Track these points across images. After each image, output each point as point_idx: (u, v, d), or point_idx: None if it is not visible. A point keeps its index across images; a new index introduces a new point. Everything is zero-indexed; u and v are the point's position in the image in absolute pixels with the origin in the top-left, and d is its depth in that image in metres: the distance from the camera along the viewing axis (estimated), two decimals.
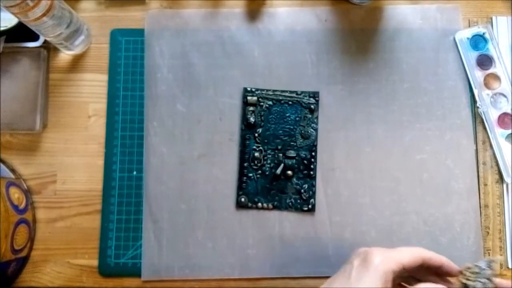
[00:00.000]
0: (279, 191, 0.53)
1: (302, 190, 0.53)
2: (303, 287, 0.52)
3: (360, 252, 0.41)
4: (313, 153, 0.53)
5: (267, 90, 0.54)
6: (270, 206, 0.53)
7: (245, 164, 0.53)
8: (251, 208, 0.53)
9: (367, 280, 0.39)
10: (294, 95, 0.54)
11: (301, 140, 0.54)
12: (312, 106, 0.54)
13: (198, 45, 0.56)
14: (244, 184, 0.53)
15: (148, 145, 0.54)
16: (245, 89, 0.54)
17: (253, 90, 0.54)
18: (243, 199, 0.53)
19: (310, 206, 0.53)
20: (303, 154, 0.53)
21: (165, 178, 0.53)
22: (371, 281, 0.38)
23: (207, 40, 0.56)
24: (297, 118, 0.54)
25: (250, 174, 0.53)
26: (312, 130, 0.54)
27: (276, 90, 0.54)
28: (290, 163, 0.53)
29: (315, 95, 0.54)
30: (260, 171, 0.53)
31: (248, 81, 0.55)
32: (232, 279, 0.52)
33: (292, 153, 0.53)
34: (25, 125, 0.54)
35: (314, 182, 0.53)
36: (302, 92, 0.54)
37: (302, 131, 0.54)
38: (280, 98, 0.54)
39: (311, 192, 0.53)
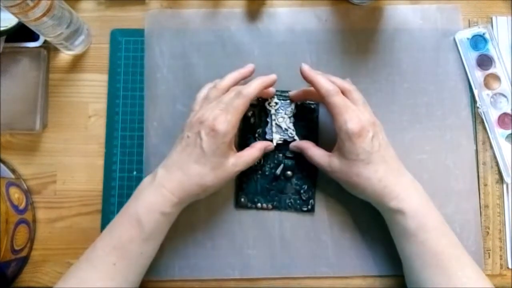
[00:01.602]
0: (279, 192, 0.53)
1: (302, 191, 0.53)
2: (303, 287, 0.52)
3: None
4: None
5: None
6: (270, 206, 0.53)
7: None
8: (250, 208, 0.53)
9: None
10: None
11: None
12: (312, 107, 0.54)
13: (198, 45, 0.56)
14: (244, 184, 0.53)
15: (148, 145, 0.54)
16: None
17: None
18: (242, 199, 0.53)
19: (309, 207, 0.53)
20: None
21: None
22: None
23: (207, 40, 0.56)
24: (297, 119, 0.54)
25: (250, 175, 0.53)
26: (312, 131, 0.54)
27: (277, 91, 0.54)
28: (289, 163, 0.53)
29: None
30: (260, 171, 0.53)
31: (248, 81, 0.55)
32: (232, 279, 0.52)
33: (292, 154, 0.53)
34: (25, 125, 0.54)
35: (314, 183, 0.53)
36: None
37: (302, 132, 0.54)
38: (281, 98, 0.54)
39: (310, 193, 0.53)
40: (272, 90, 0.52)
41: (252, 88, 0.47)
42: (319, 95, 0.47)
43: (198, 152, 0.45)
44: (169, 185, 0.45)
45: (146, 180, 0.47)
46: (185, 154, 0.46)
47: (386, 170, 0.46)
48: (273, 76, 0.49)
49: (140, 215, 0.44)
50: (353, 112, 0.45)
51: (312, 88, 0.49)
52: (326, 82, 0.46)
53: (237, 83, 0.50)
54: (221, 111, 0.46)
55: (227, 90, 0.49)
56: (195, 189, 0.46)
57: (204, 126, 0.45)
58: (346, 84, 0.49)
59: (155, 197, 0.45)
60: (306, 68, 0.48)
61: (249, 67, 0.51)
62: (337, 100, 0.46)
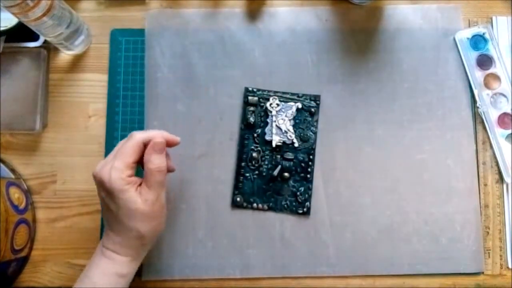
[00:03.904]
0: (275, 193, 0.53)
1: (298, 193, 0.53)
2: (303, 287, 0.52)
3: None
4: (311, 157, 0.53)
5: (268, 91, 0.54)
6: (266, 207, 0.53)
7: (243, 164, 0.53)
8: (246, 208, 0.53)
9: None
10: (295, 97, 0.54)
11: (299, 143, 0.54)
12: (312, 110, 0.54)
13: (198, 45, 0.56)
14: (240, 184, 0.53)
15: None
16: (246, 89, 0.54)
17: (255, 90, 0.54)
18: (238, 199, 0.53)
19: (305, 209, 0.53)
20: (301, 156, 0.53)
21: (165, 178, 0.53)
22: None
23: (208, 39, 0.56)
24: (296, 121, 0.54)
25: (247, 174, 0.53)
26: (311, 133, 0.54)
27: (277, 92, 0.54)
28: (287, 165, 0.53)
29: (316, 98, 0.54)
30: (257, 172, 0.53)
31: (248, 81, 0.55)
32: (232, 278, 0.52)
33: (290, 155, 0.53)
34: (25, 125, 0.54)
35: (310, 185, 0.53)
36: (304, 95, 0.54)
37: (301, 134, 0.54)
38: (282, 100, 0.54)
39: (306, 195, 0.53)
40: (176, 139, 0.47)
41: (145, 134, 0.44)
42: None
43: (109, 211, 0.43)
44: (112, 247, 0.44)
45: (99, 244, 0.46)
46: (106, 215, 0.44)
47: None
48: (176, 139, 0.46)
49: (96, 283, 0.42)
50: None
51: None
52: None
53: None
54: (110, 159, 0.43)
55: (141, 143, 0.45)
56: (136, 243, 0.44)
57: (97, 183, 0.43)
58: None
59: (107, 261, 0.44)
60: None
61: (176, 138, 0.46)
62: None
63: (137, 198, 0.42)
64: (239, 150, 0.54)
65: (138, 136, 0.44)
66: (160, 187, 0.44)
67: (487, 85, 0.55)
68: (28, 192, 0.53)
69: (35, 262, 0.53)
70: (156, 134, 0.44)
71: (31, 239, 0.53)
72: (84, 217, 0.54)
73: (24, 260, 0.52)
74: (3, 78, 0.54)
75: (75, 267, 0.53)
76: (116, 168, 0.42)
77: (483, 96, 0.55)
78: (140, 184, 0.44)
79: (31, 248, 0.53)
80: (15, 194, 0.51)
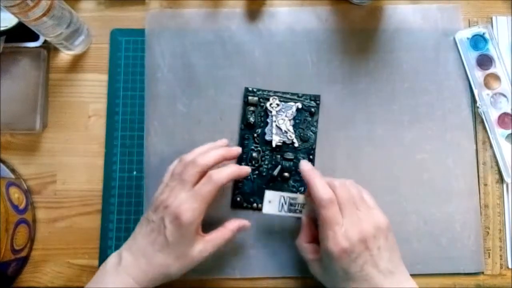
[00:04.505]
0: None
1: (298, 193, 0.53)
2: (303, 287, 0.52)
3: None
4: (311, 157, 0.53)
5: (268, 91, 0.54)
6: None
7: (243, 164, 0.53)
8: (246, 208, 0.53)
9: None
10: (295, 97, 0.54)
11: (299, 143, 0.54)
12: (312, 109, 0.54)
13: (198, 45, 0.56)
14: (240, 184, 0.53)
15: (149, 145, 0.54)
16: (246, 89, 0.54)
17: (255, 90, 0.54)
18: (238, 199, 0.53)
19: None
20: (301, 156, 0.53)
21: None
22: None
23: (208, 40, 0.56)
24: (297, 121, 0.54)
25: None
26: (311, 133, 0.54)
27: (277, 92, 0.54)
28: (287, 165, 0.53)
29: (316, 98, 0.54)
30: (257, 172, 0.53)
31: (248, 81, 0.55)
32: (232, 278, 0.52)
33: (290, 155, 0.53)
34: (25, 125, 0.54)
35: None
36: (304, 94, 0.54)
37: (301, 134, 0.54)
38: (282, 100, 0.54)
39: None
40: (247, 170, 0.49)
41: (224, 176, 0.45)
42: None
43: (162, 241, 0.43)
44: (134, 273, 0.43)
45: (111, 262, 0.44)
46: (150, 241, 0.44)
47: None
48: (247, 168, 0.48)
49: None
50: (339, 230, 0.42)
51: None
52: (322, 189, 0.44)
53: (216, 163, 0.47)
54: (187, 196, 0.43)
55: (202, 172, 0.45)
56: (160, 278, 0.44)
57: (168, 213, 0.43)
58: (351, 189, 0.45)
59: (119, 285, 0.43)
60: (305, 167, 0.46)
61: (236, 150, 0.49)
62: (326, 213, 0.43)
63: (196, 245, 0.44)
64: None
65: (219, 180, 0.44)
66: (218, 247, 0.46)
67: (487, 85, 0.55)
68: (28, 192, 0.53)
69: (35, 262, 0.53)
70: (231, 171, 0.46)
71: (31, 239, 0.53)
72: (84, 217, 0.54)
73: (24, 260, 0.52)
74: (3, 78, 0.54)
75: (75, 267, 0.53)
76: (196, 210, 0.43)
77: (483, 96, 0.55)
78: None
79: (31, 248, 0.53)
80: (15, 194, 0.51)
